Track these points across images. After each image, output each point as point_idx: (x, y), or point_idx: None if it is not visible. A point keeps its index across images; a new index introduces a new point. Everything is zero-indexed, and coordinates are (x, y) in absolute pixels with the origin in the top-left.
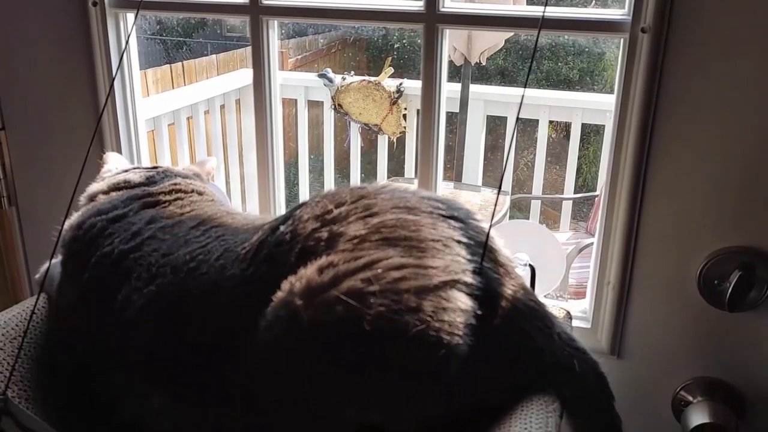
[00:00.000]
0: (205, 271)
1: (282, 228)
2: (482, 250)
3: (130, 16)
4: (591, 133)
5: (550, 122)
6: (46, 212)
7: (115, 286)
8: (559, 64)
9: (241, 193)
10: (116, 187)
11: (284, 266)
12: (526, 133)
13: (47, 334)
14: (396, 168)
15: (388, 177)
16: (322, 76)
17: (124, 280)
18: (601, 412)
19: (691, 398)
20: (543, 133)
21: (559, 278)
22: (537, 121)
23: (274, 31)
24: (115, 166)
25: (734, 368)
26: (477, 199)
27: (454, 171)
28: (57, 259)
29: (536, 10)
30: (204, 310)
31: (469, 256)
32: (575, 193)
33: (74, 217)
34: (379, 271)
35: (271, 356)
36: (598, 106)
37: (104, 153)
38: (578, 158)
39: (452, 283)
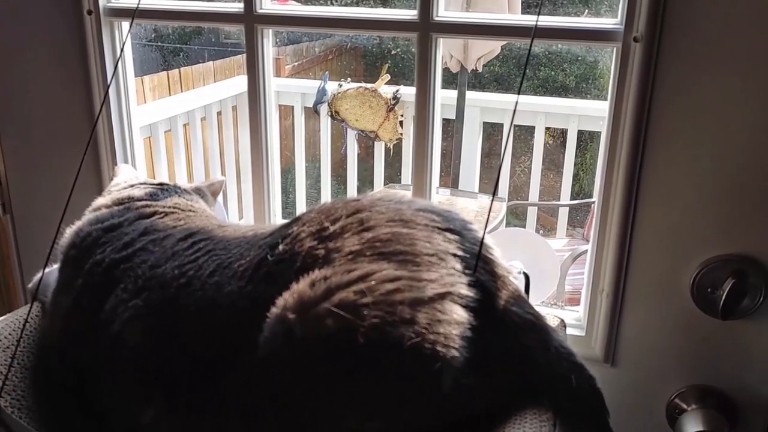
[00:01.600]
0: (198, 288)
1: (281, 247)
2: (476, 259)
3: (125, 25)
4: (587, 140)
5: (547, 129)
6: (40, 220)
7: (103, 295)
8: (556, 71)
9: (238, 199)
10: (120, 203)
11: (284, 284)
12: (523, 140)
13: (39, 342)
14: (393, 174)
15: (385, 184)
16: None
17: (113, 290)
18: (595, 428)
19: (685, 406)
20: (539, 140)
21: (554, 286)
22: (533, 127)
23: (268, 40)
24: (123, 179)
25: (728, 376)
26: (473, 206)
27: (451, 178)
28: (52, 267)
29: (529, 19)
30: (202, 326)
31: (464, 269)
32: (572, 199)
33: (75, 225)
34: (373, 283)
35: (267, 371)
36: (594, 112)
37: (115, 167)
38: (574, 165)
39: (447, 295)
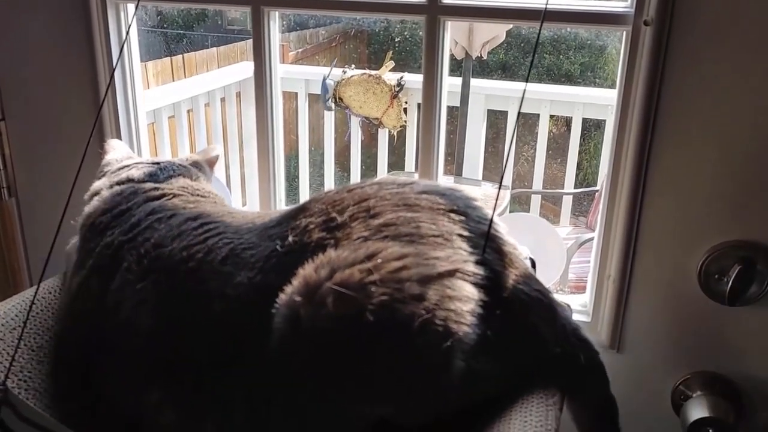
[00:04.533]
0: (209, 276)
1: (290, 238)
2: (484, 239)
3: (131, 7)
4: (592, 128)
5: (551, 117)
6: (46, 204)
7: (110, 276)
8: (561, 58)
9: (241, 185)
10: (119, 185)
11: (294, 275)
12: (527, 128)
13: (50, 319)
14: (397, 161)
15: (389, 171)
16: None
17: (118, 270)
18: (597, 399)
19: (690, 392)
20: (544, 128)
21: (560, 271)
22: (538, 115)
23: (275, 23)
24: (115, 157)
25: (733, 362)
26: (477, 194)
27: (455, 165)
28: (74, 240)
29: (539, 2)
30: (211, 315)
31: (471, 248)
32: (575, 187)
33: (86, 209)
34: (379, 261)
35: (276, 356)
36: (599, 100)
37: (105, 143)
38: (579, 153)
39: (455, 272)
